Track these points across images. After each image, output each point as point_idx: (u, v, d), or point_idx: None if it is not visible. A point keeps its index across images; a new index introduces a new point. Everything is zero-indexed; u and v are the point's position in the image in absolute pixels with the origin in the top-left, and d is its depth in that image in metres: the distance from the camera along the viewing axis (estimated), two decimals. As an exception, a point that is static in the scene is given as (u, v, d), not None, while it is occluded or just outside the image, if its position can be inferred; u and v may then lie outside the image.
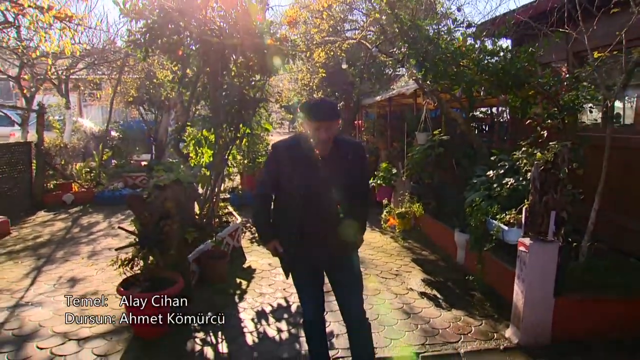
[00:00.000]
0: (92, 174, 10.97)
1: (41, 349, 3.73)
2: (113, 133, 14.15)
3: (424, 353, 3.77)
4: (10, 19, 7.08)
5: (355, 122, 14.44)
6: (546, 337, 3.96)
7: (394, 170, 7.54)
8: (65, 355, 3.62)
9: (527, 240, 3.91)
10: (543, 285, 3.90)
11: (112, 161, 13.57)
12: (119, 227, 4.64)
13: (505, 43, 7.72)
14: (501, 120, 10.73)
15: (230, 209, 7.31)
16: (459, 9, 7.54)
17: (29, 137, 10.72)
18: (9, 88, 21.59)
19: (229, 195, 9.60)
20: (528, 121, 4.42)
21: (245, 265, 5.87)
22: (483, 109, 12.86)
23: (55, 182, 10.23)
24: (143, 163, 14.29)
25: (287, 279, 3.00)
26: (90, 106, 21.54)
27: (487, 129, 12.65)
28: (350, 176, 2.80)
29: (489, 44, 5.59)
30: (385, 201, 7.55)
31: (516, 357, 3.73)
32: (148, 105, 14.83)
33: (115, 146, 13.47)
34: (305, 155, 2.75)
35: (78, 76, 13.72)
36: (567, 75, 4.16)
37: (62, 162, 10.59)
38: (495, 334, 4.10)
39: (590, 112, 4.63)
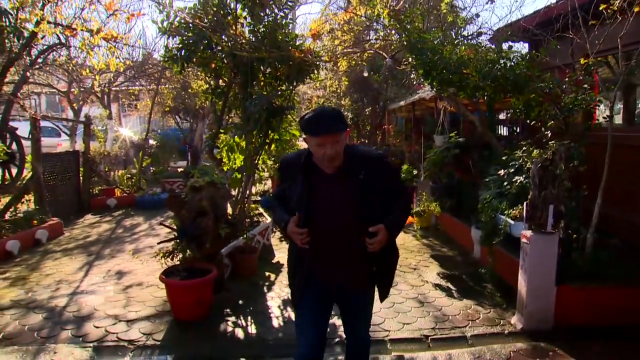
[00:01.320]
0: (132, 180, 11.75)
1: (97, 327, 4.31)
2: (151, 141, 15.00)
3: (433, 336, 4.14)
4: (63, 40, 7.84)
5: (384, 126, 14.80)
6: (548, 323, 4.25)
7: (415, 172, 7.91)
8: (117, 333, 4.18)
9: (528, 233, 4.23)
10: (544, 274, 4.21)
11: (150, 168, 14.42)
12: (161, 224, 5.21)
13: (522, 46, 8.04)
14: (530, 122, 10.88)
15: (261, 210, 7.83)
16: (477, 15, 7.87)
17: (75, 147, 11.61)
18: (55, 101, 23.01)
19: (260, 198, 10.15)
20: (532, 122, 4.75)
21: (274, 261, 6.36)
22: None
23: (99, 187, 11.06)
24: (179, 169, 15.08)
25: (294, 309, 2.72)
26: (129, 116, 22.69)
27: (518, 130, 12.80)
28: (368, 193, 2.35)
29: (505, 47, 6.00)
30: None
31: (518, 341, 4.05)
32: (183, 114, 15.66)
33: (153, 154, 14.29)
34: (309, 172, 2.38)
35: (118, 88, 14.64)
36: (567, 79, 4.46)
37: (106, 169, 11.41)
38: (501, 321, 4.42)
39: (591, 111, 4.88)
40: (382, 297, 2.63)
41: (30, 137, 8.08)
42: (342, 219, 2.35)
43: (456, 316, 4.52)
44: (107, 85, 12.84)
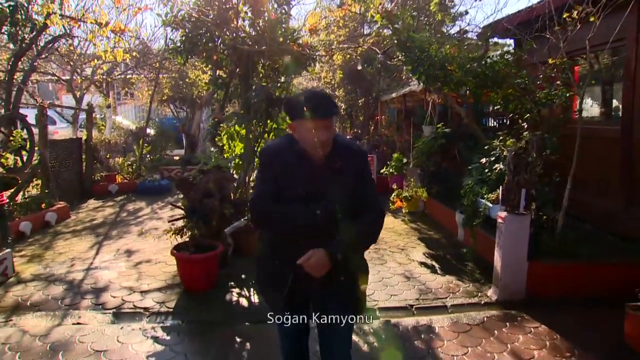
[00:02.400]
0: (133, 167, 12.13)
1: (114, 297, 4.76)
2: (148, 130, 15.35)
3: (417, 305, 4.63)
4: (67, 31, 8.19)
5: (376, 117, 15.27)
6: (521, 294, 4.75)
7: (405, 160, 8.40)
8: (133, 302, 4.64)
9: (503, 214, 4.72)
10: (517, 251, 4.70)
11: (147, 156, 14.80)
12: (171, 205, 5.63)
13: (508, 42, 8.52)
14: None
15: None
16: (466, 12, 8.33)
17: (77, 134, 11.96)
18: (47, 89, 23.16)
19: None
20: (510, 115, 5.23)
21: (272, 242, 6.82)
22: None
23: (101, 174, 11.43)
24: (175, 158, 15.47)
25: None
26: (124, 104, 22.98)
27: (506, 122, 13.30)
28: (350, 186, 2.27)
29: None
30: (394, 186, 8.39)
31: (492, 309, 4.54)
32: (179, 103, 16.04)
33: (151, 142, 14.65)
34: (298, 161, 2.24)
35: (118, 77, 14.95)
36: (541, 76, 4.94)
37: (107, 156, 11.78)
38: (479, 293, 4.92)
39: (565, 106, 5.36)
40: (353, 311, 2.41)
41: (37, 124, 8.45)
42: (329, 209, 2.18)
43: (438, 289, 5.02)
44: (107, 74, 13.15)
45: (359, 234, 2.23)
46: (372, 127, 14.68)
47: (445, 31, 7.90)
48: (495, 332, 4.05)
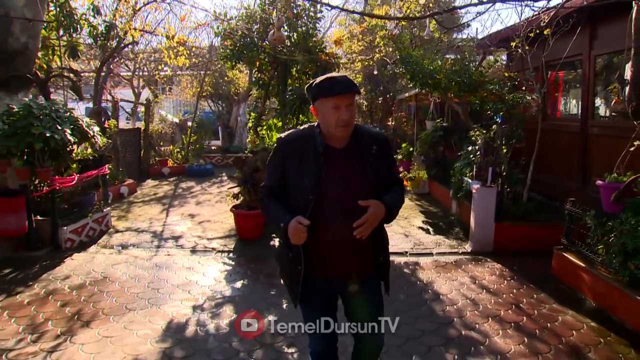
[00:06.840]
0: (182, 154, 14.06)
1: (189, 241, 6.58)
2: (189, 123, 17.28)
3: (411, 251, 6.28)
4: (134, 39, 10.07)
5: (393, 113, 16.84)
6: (489, 247, 6.32)
7: (411, 149, 10.03)
8: (203, 244, 6.44)
9: (477, 186, 6.32)
10: (486, 214, 6.29)
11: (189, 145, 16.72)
12: (230, 177, 7.40)
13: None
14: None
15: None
16: (468, 25, 9.88)
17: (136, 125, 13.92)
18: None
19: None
20: (488, 112, 6.81)
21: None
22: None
23: (155, 158, 13.40)
24: (213, 147, 17.39)
25: (295, 307, 2.43)
26: (165, 99, 25.03)
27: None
28: (376, 173, 2.24)
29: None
30: (401, 169, 10.03)
31: (466, 256, 6.16)
32: (216, 98, 17.94)
33: (194, 133, 16.60)
34: (317, 148, 2.20)
35: (165, 75, 16.92)
36: (509, 83, 6.50)
37: (161, 143, 13.73)
38: (459, 247, 6.53)
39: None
40: (387, 288, 2.52)
41: (110, 115, 10.37)
42: (357, 195, 2.16)
43: (429, 243, 6.65)
44: (157, 72, 15.10)
45: (399, 198, 2.36)
46: (393, 122, 16.28)
47: (447, 41, 9.47)
48: (463, 266, 5.69)
